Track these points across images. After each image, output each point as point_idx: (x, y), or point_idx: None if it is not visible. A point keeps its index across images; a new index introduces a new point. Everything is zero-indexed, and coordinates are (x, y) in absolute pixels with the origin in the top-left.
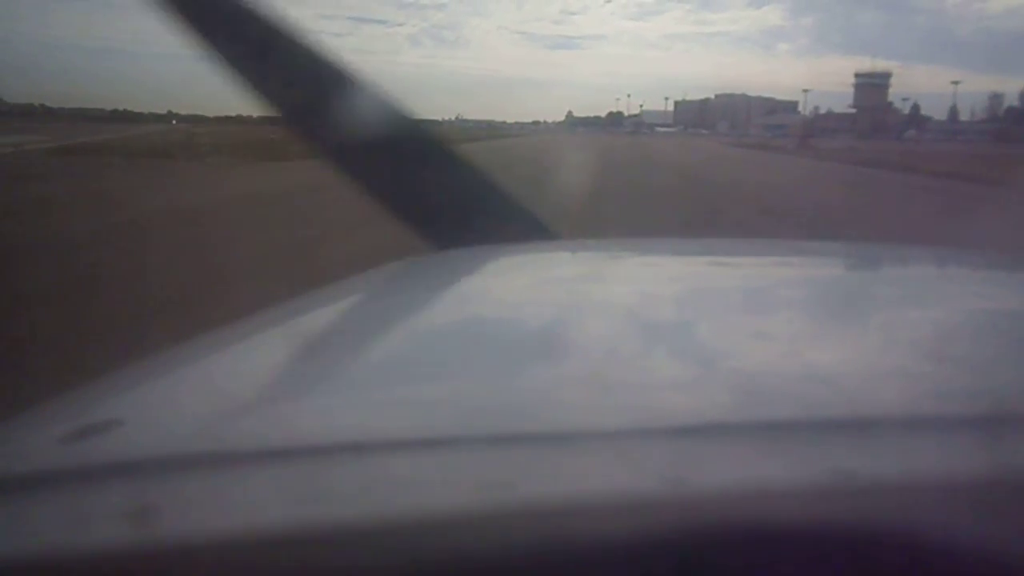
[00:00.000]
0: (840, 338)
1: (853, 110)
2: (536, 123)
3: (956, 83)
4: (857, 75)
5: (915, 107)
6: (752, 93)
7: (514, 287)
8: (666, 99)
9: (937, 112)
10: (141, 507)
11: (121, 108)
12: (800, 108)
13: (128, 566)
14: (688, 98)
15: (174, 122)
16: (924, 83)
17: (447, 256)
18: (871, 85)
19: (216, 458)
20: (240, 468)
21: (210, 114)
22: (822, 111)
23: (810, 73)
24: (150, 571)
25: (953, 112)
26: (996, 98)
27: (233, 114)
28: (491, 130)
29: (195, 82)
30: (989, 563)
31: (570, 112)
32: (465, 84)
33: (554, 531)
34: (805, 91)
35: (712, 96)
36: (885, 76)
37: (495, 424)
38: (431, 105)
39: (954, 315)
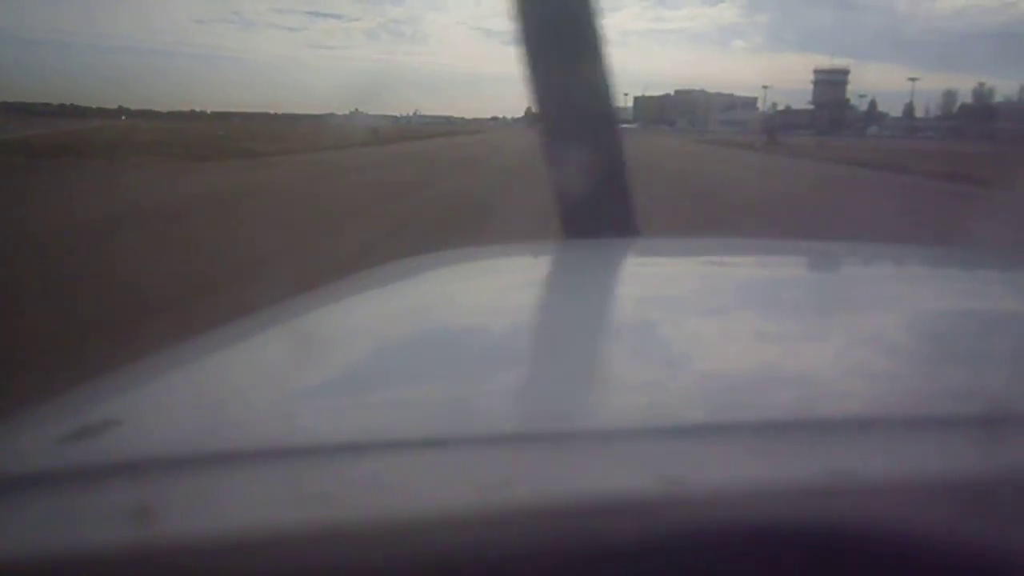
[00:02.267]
0: (837, 338)
1: (811, 106)
2: (495, 119)
3: (914, 79)
4: (816, 71)
5: (872, 103)
6: (711, 89)
7: (513, 287)
8: (625, 95)
9: (890, 109)
10: (139, 507)
11: (69, 103)
12: (759, 104)
13: (127, 566)
14: (647, 94)
15: (123, 118)
16: (876, 81)
17: (445, 256)
18: (830, 81)
19: (214, 458)
20: (238, 468)
21: (163, 109)
22: (780, 107)
23: (766, 70)
24: (148, 571)
25: (909, 109)
26: (950, 95)
27: (187, 109)
28: (449, 126)
29: (147, 76)
30: (986, 562)
31: (529, 108)
32: (423, 80)
33: (553, 531)
34: (765, 87)
35: (671, 92)
36: (843, 72)
37: (494, 424)
38: (388, 101)
39: (952, 315)
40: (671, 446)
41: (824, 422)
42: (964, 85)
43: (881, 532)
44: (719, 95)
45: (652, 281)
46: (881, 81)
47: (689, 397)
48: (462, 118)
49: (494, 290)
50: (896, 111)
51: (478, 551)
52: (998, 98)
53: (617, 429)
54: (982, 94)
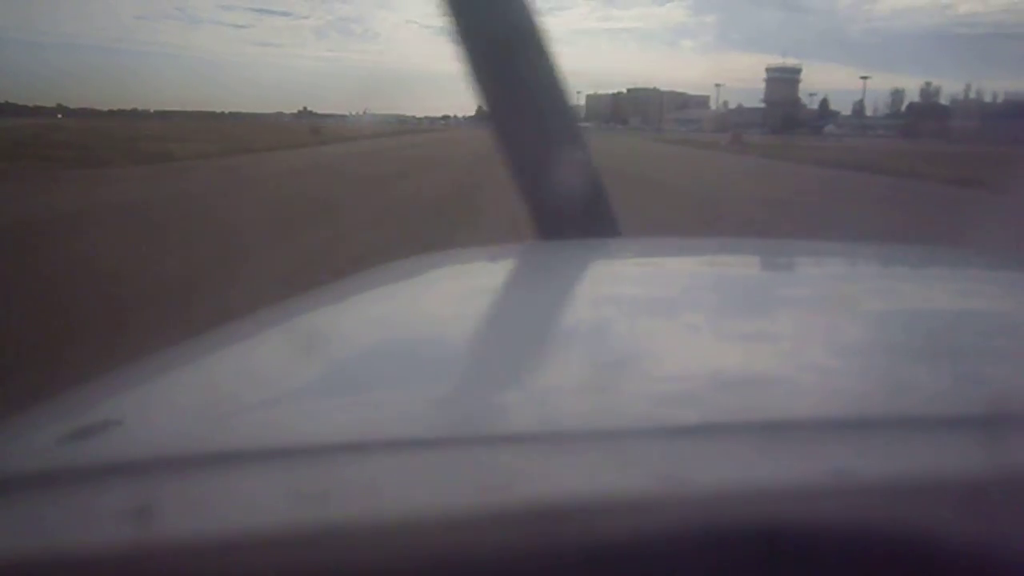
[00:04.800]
0: (838, 337)
1: (763, 105)
2: (446, 117)
3: (865, 78)
4: (769, 69)
5: (824, 102)
6: (662, 88)
7: (511, 287)
8: (577, 93)
9: (838, 108)
10: (140, 507)
11: (4, 101)
12: (712, 103)
13: (127, 566)
14: (599, 92)
15: (60, 116)
16: (822, 80)
17: (443, 256)
18: (782, 79)
19: (215, 458)
20: (239, 468)
21: (103, 107)
22: (731, 105)
23: (715, 69)
24: (149, 571)
25: (859, 107)
26: (897, 94)
27: (128, 107)
28: (400, 125)
29: (87, 74)
30: (987, 562)
31: (480, 107)
32: (372, 78)
33: (552, 531)
34: (718, 85)
35: (624, 90)
36: (796, 71)
37: (494, 424)
38: (338, 99)
39: (953, 314)
40: (671, 446)
41: (824, 421)
42: (902, 84)
43: (882, 532)
44: (671, 93)
45: (650, 280)
46: (827, 80)
47: (689, 397)
48: (413, 116)
49: (492, 290)
50: (844, 109)
51: (477, 551)
52: (943, 97)
53: (617, 429)
54: (929, 93)
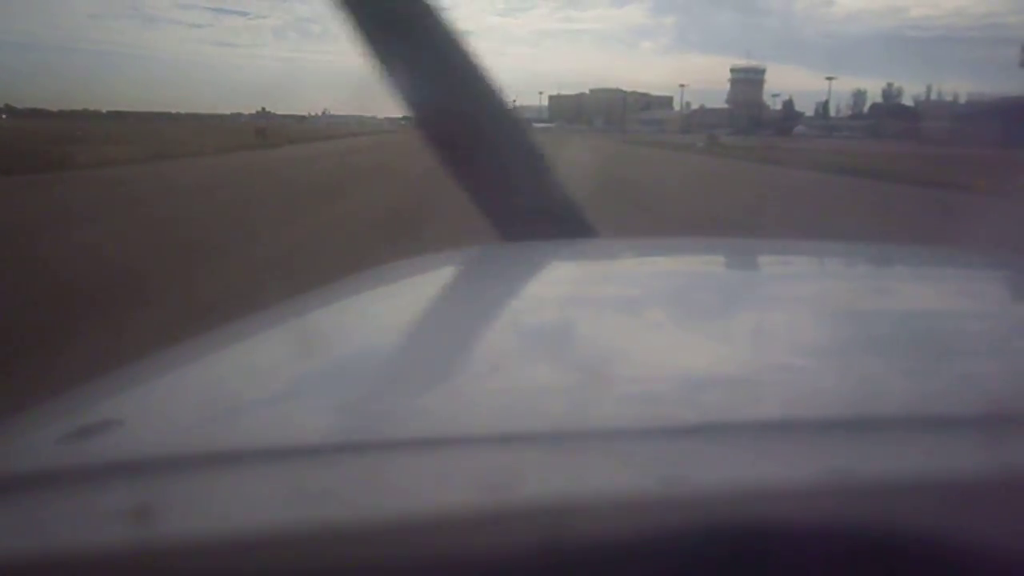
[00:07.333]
0: (836, 337)
1: (726, 106)
2: (405, 118)
3: (831, 79)
4: (733, 70)
5: (789, 103)
6: (625, 88)
7: (513, 286)
8: (540, 94)
9: (800, 108)
10: (140, 507)
11: None
12: (675, 104)
13: (127, 566)
14: (562, 93)
15: (4, 116)
16: (780, 82)
17: (446, 255)
18: (747, 80)
19: (215, 458)
20: (239, 468)
21: (54, 108)
22: (695, 106)
23: (676, 70)
24: (149, 571)
25: (823, 108)
26: (860, 95)
27: (80, 108)
28: (359, 126)
29: (37, 74)
30: (986, 562)
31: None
32: (332, 79)
33: (553, 530)
34: (682, 86)
35: (587, 91)
36: (760, 71)
37: (494, 424)
38: (296, 101)
39: (950, 315)
40: (671, 446)
41: (824, 422)
42: (862, 85)
43: (880, 532)
44: (635, 94)
45: (652, 280)
46: (786, 82)
47: (689, 397)
48: (373, 117)
49: (493, 289)
50: (806, 111)
51: (478, 551)
52: (905, 98)
53: (617, 429)
54: (891, 94)
